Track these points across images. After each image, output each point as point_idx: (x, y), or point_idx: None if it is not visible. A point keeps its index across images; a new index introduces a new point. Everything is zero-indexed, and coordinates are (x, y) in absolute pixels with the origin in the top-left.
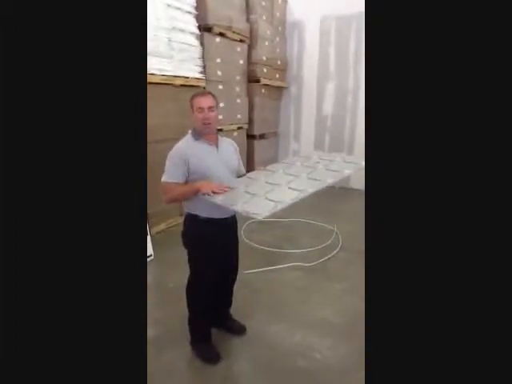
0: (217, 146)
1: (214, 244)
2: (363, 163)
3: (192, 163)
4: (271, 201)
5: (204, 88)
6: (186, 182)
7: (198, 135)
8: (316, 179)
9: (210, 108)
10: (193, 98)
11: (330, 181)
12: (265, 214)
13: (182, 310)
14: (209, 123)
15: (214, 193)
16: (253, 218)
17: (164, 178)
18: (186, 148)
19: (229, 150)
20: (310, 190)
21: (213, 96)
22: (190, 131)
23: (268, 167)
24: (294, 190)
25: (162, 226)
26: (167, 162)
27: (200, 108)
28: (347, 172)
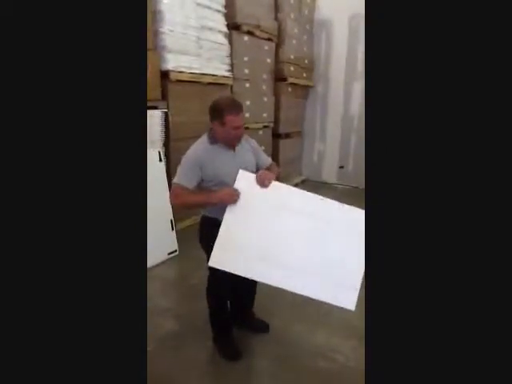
0: (234, 150)
1: None
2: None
3: (208, 169)
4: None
5: (231, 87)
6: (200, 188)
7: (214, 139)
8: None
9: (244, 124)
10: (224, 111)
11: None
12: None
13: (206, 306)
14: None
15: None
16: None
17: (176, 180)
18: (202, 153)
19: (246, 152)
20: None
21: (241, 108)
22: (205, 134)
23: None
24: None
25: (187, 222)
26: (182, 164)
27: (236, 127)
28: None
